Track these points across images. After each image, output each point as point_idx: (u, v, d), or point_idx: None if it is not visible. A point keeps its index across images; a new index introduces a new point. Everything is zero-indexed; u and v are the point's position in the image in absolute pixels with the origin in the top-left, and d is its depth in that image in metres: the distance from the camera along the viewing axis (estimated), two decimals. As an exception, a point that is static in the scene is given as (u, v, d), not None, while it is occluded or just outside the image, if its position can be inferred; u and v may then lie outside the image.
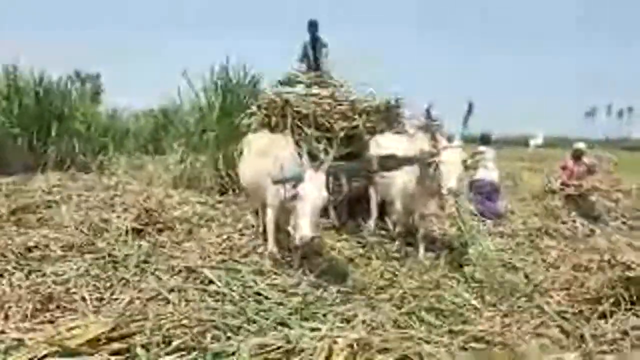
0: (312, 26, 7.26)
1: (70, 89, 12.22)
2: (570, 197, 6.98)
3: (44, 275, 3.75)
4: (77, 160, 10.86)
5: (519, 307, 3.62)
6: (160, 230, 5.18)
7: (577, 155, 7.32)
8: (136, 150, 14.73)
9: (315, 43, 7.23)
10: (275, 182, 3.91)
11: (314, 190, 3.57)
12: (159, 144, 15.53)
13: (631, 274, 3.53)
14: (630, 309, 3.40)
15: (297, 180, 3.77)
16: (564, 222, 6.32)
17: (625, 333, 3.15)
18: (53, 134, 10.44)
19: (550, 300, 3.71)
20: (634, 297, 3.45)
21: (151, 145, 16.02)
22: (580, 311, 3.49)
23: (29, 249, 4.37)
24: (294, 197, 3.61)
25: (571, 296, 3.75)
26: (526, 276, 4.28)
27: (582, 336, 3.11)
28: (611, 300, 3.49)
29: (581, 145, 7.49)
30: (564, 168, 7.48)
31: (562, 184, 7.32)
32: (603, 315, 3.40)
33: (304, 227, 3.44)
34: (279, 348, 2.47)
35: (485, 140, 7.62)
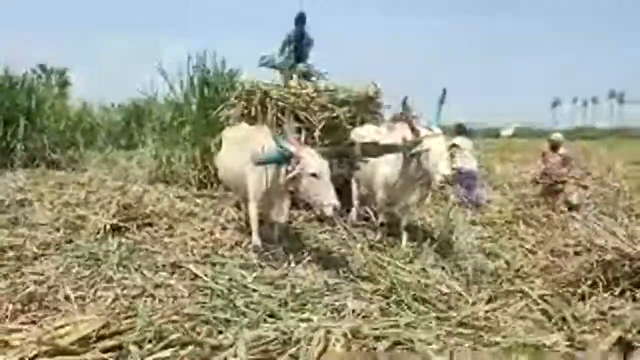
0: (301, 20, 7.07)
1: (37, 83, 11.87)
2: (549, 188, 7.07)
3: (22, 275, 3.65)
4: (47, 156, 10.56)
5: (502, 292, 3.70)
6: (139, 226, 5.09)
7: (554, 146, 7.25)
8: (107, 145, 14.43)
9: (301, 38, 7.10)
10: (258, 163, 3.92)
11: (320, 161, 3.73)
12: (131, 139, 15.26)
13: (607, 256, 3.65)
14: (607, 290, 3.52)
15: (279, 160, 3.81)
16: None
17: (604, 313, 3.26)
18: (21, 130, 10.09)
19: (532, 284, 3.80)
20: (610, 279, 3.57)
21: (123, 140, 15.73)
22: (561, 294, 3.59)
23: (3, 250, 4.24)
24: (295, 177, 3.73)
25: (551, 280, 3.86)
26: (507, 262, 4.38)
27: (563, 318, 3.20)
28: (589, 282, 3.61)
29: (558, 136, 7.40)
30: (543, 156, 7.35)
31: (542, 174, 7.25)
32: (582, 297, 3.51)
33: (332, 198, 3.60)
34: (274, 340, 2.46)
35: (460, 130, 7.69)
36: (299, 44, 7.10)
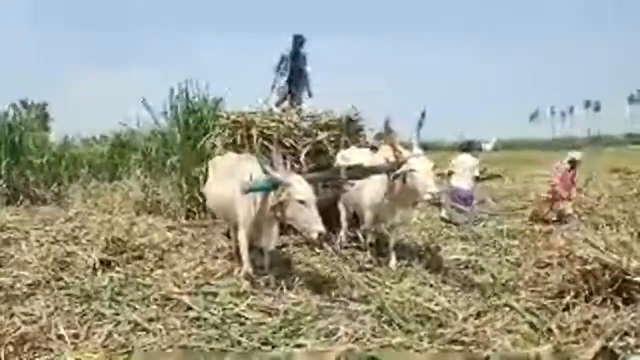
0: (299, 41, 7.25)
1: (19, 119, 11.82)
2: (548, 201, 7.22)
3: (13, 315, 3.63)
4: (30, 192, 10.46)
5: (490, 306, 3.79)
6: (129, 260, 5.08)
7: (573, 165, 7.18)
8: (91, 178, 14.32)
9: (295, 56, 7.27)
10: (247, 191, 3.99)
11: (307, 188, 3.80)
12: (115, 171, 15.21)
13: (588, 267, 3.77)
14: (590, 300, 3.64)
15: (267, 189, 3.88)
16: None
17: (588, 323, 3.37)
18: (3, 166, 10.02)
19: (518, 297, 3.91)
20: (592, 289, 3.69)
21: (107, 173, 15.65)
22: (546, 306, 3.70)
23: (-7, 290, 4.21)
24: (282, 203, 3.79)
25: (536, 292, 3.97)
26: (493, 276, 4.49)
27: (550, 329, 3.30)
28: (572, 293, 3.73)
29: (577, 155, 7.25)
30: (561, 180, 7.16)
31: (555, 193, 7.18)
32: (566, 308, 3.62)
33: (318, 224, 3.66)
34: (270, 367, 2.51)
35: (465, 148, 7.79)
36: (293, 62, 7.28)
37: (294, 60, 7.27)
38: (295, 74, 7.26)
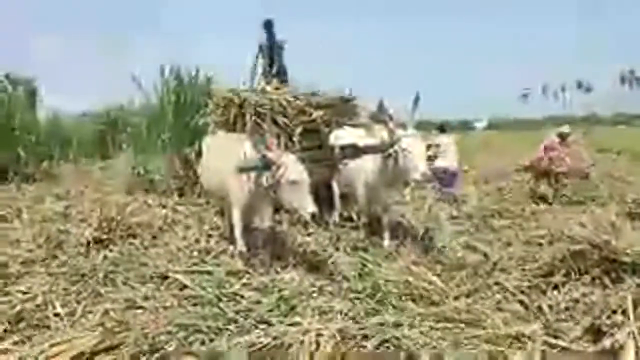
0: (268, 26, 7.28)
1: (4, 94, 11.61)
2: (541, 176, 7.37)
3: (8, 294, 3.63)
4: (20, 170, 10.36)
5: (481, 285, 3.86)
6: (123, 238, 5.07)
7: (563, 138, 7.41)
8: (81, 156, 14.18)
9: (272, 43, 7.24)
10: (241, 170, 3.98)
11: (300, 168, 3.81)
12: (106, 148, 15.07)
13: (578, 246, 3.84)
14: (579, 279, 3.71)
15: (262, 168, 3.88)
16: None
17: (577, 301, 3.45)
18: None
19: (509, 276, 3.97)
20: (582, 268, 3.76)
21: (98, 150, 15.50)
22: (536, 284, 3.77)
23: (-13, 269, 4.20)
24: (276, 183, 3.80)
25: (526, 271, 4.04)
26: (485, 255, 4.55)
27: (540, 308, 3.37)
28: (562, 272, 3.80)
29: (566, 129, 7.58)
30: (548, 149, 7.44)
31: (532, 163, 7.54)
32: (556, 287, 3.69)
33: (310, 204, 3.69)
34: (266, 345, 2.55)
35: (442, 129, 7.92)
36: (271, 51, 7.28)
37: (270, 49, 7.27)
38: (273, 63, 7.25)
